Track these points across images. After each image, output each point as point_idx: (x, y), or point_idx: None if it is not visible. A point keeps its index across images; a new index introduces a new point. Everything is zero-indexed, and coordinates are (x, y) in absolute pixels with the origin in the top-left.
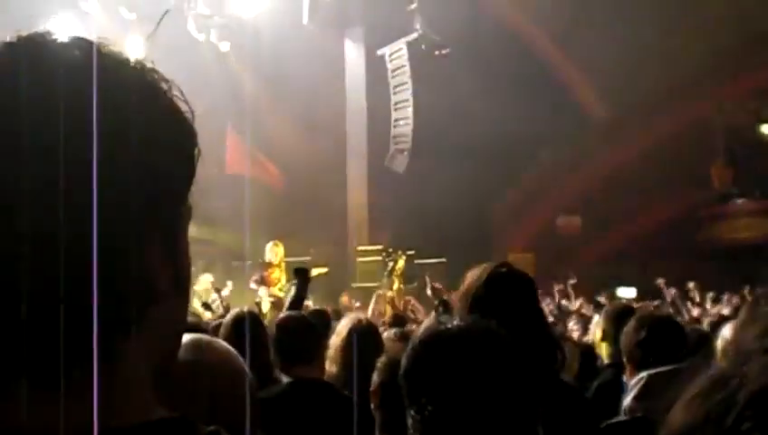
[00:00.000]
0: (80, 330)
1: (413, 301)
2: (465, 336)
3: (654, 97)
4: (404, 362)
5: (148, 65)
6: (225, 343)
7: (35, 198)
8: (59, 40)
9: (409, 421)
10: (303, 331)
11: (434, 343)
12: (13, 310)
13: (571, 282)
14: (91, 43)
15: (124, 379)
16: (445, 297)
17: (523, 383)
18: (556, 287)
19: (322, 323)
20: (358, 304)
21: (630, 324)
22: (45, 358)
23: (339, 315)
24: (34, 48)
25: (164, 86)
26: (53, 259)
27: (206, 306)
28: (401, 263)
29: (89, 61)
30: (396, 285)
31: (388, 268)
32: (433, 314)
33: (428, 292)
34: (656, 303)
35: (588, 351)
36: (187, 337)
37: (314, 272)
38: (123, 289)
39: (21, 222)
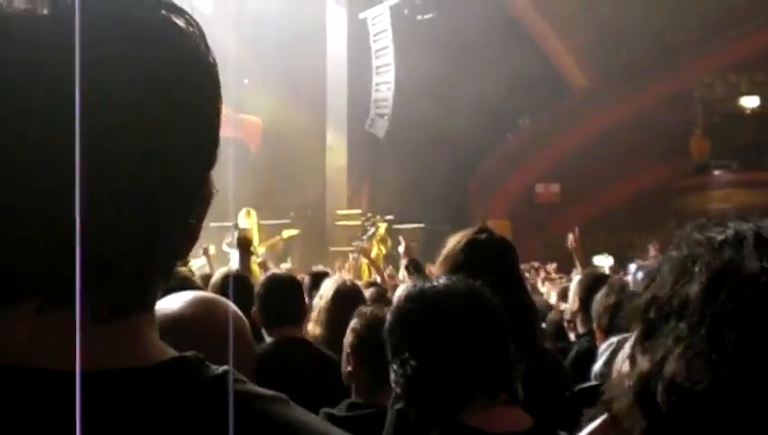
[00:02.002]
0: (125, 279)
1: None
2: (448, 292)
3: (634, 68)
4: (389, 317)
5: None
6: (229, 302)
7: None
8: None
9: (392, 376)
10: (290, 290)
11: (418, 298)
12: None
13: (552, 267)
14: None
15: (151, 324)
16: (415, 256)
17: (504, 341)
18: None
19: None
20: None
21: (601, 291)
22: (98, 299)
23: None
24: None
25: (192, 34)
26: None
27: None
28: (382, 229)
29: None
30: (375, 252)
31: (369, 233)
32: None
33: (400, 249)
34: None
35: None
36: (192, 294)
37: (285, 234)
38: (166, 245)
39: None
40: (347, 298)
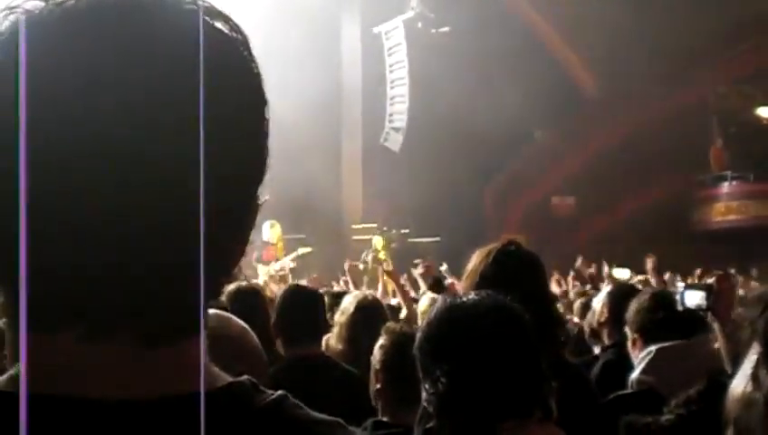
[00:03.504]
0: (180, 299)
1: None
2: (478, 309)
3: (649, 79)
4: (418, 335)
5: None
6: (239, 320)
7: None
8: None
9: (423, 395)
10: (310, 304)
11: (448, 315)
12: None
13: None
14: None
15: (204, 346)
16: (437, 275)
17: (535, 357)
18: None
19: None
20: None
21: (643, 300)
22: (153, 324)
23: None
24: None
25: (242, 48)
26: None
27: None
28: (379, 244)
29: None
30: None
31: (368, 252)
32: (428, 293)
33: (419, 270)
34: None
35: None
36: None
37: (300, 251)
38: (218, 263)
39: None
40: (368, 313)
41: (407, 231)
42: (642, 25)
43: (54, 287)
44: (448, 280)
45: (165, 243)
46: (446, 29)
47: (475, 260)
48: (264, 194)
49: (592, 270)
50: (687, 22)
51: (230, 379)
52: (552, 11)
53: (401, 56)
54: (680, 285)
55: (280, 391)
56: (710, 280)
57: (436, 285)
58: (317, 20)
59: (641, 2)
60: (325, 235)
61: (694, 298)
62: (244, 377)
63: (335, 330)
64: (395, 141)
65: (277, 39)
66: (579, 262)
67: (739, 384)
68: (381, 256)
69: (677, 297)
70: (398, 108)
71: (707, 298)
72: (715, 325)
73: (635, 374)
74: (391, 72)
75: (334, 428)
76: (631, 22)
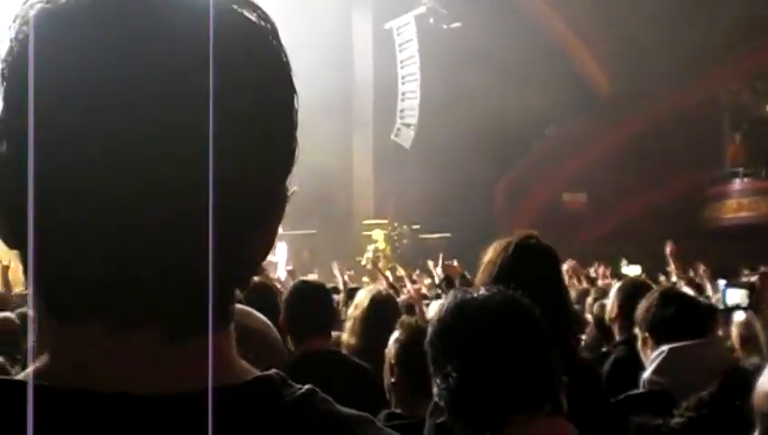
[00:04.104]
0: (204, 296)
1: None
2: (488, 304)
3: (661, 77)
4: (429, 330)
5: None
6: (260, 314)
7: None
8: None
9: (435, 389)
10: (320, 298)
11: (458, 311)
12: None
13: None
14: None
15: (230, 341)
16: (451, 274)
17: (546, 351)
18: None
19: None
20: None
21: (653, 298)
22: (182, 317)
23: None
24: None
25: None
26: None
27: None
28: (381, 241)
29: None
30: (381, 262)
31: (371, 248)
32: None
33: (438, 270)
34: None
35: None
36: None
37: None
38: (241, 258)
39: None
40: (382, 308)
41: (417, 227)
42: (654, 24)
43: (83, 278)
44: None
45: (192, 236)
46: (457, 24)
47: (491, 252)
48: (293, 185)
49: (594, 269)
50: (699, 20)
51: (258, 373)
52: (564, 8)
53: (412, 52)
54: (721, 282)
55: (308, 386)
56: (753, 278)
57: (447, 283)
58: (328, 16)
59: (653, 2)
60: (336, 229)
61: (735, 296)
62: (273, 371)
63: (348, 324)
64: (406, 137)
65: (288, 35)
66: (570, 264)
67: (766, 381)
68: (384, 250)
69: (719, 295)
70: (410, 104)
71: (749, 296)
72: (757, 324)
73: (647, 374)
74: (402, 67)
75: (364, 424)
76: (644, 20)
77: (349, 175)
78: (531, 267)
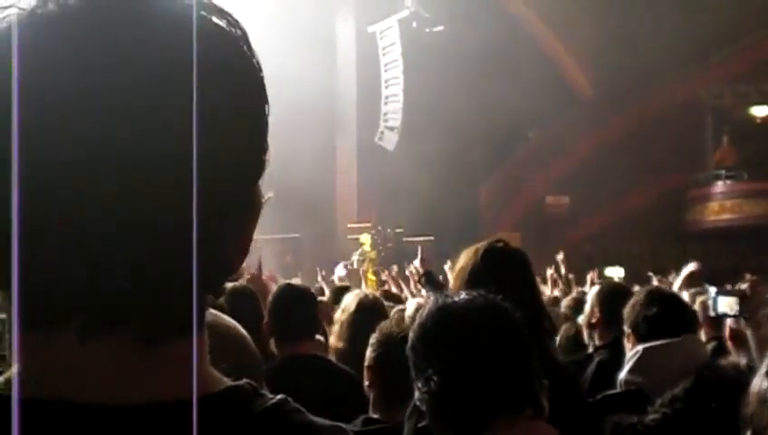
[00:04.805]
0: (179, 302)
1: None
2: (469, 308)
3: (643, 79)
4: (411, 334)
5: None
6: (226, 316)
7: (132, 165)
8: None
9: (416, 394)
10: (303, 302)
11: (439, 315)
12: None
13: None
14: None
15: (201, 349)
16: (430, 269)
17: (526, 355)
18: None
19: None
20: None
21: (639, 297)
22: (153, 323)
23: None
24: None
25: (239, 38)
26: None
27: None
28: (367, 245)
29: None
30: (366, 264)
31: (358, 253)
32: (412, 299)
33: (415, 264)
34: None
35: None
36: None
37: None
38: (214, 263)
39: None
40: (369, 312)
41: (401, 230)
42: (636, 26)
43: (52, 285)
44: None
45: (163, 242)
46: (440, 28)
47: (462, 259)
48: (267, 192)
49: (591, 278)
50: (681, 22)
51: (230, 382)
52: (546, 11)
53: (396, 55)
54: (712, 290)
55: (280, 396)
56: (743, 286)
57: (426, 278)
58: (312, 19)
59: (634, 3)
60: (319, 233)
61: (726, 304)
62: (244, 381)
63: (335, 328)
64: (390, 140)
65: (271, 38)
66: (560, 257)
67: (757, 383)
68: (370, 253)
69: (710, 303)
70: (393, 107)
71: (740, 304)
72: (748, 332)
73: (622, 374)
74: (386, 71)
75: (335, 433)
76: (625, 22)
77: (332, 178)
78: (500, 270)
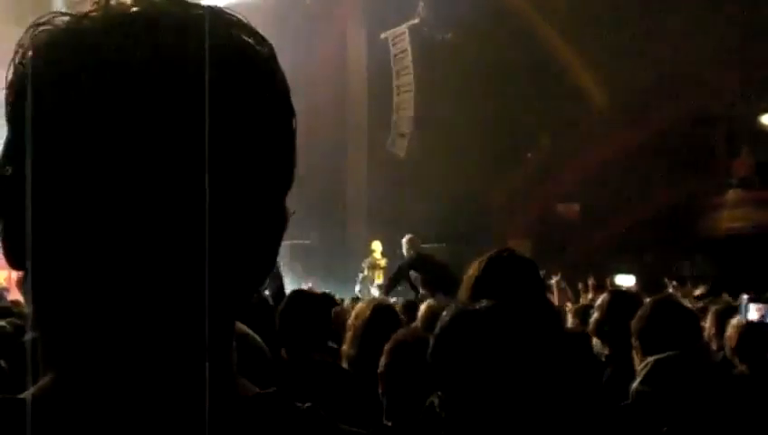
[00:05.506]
0: (206, 314)
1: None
2: (492, 318)
3: (654, 87)
4: (432, 343)
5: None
6: (240, 324)
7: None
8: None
9: (436, 401)
10: (312, 311)
11: (461, 324)
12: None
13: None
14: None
15: (233, 358)
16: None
17: (549, 366)
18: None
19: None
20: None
21: (646, 307)
22: (181, 335)
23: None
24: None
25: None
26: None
27: None
28: (377, 252)
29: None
30: (377, 275)
31: (366, 263)
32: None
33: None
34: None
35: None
36: None
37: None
38: (247, 275)
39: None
40: (382, 319)
41: (411, 237)
42: (647, 35)
43: (80, 310)
44: None
45: (189, 255)
46: (450, 35)
47: (471, 270)
48: (292, 207)
49: (591, 284)
50: (692, 33)
51: (257, 390)
52: (557, 21)
53: (407, 62)
54: (744, 297)
55: (309, 404)
56: None
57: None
58: (323, 26)
59: (645, 13)
60: (330, 240)
61: (758, 312)
62: (272, 389)
63: (348, 334)
64: (401, 147)
65: (283, 45)
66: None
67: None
68: (380, 261)
69: (741, 309)
70: (404, 114)
71: None
72: None
73: (635, 385)
74: (397, 78)
75: None
76: (637, 31)
77: (343, 184)
78: (507, 279)
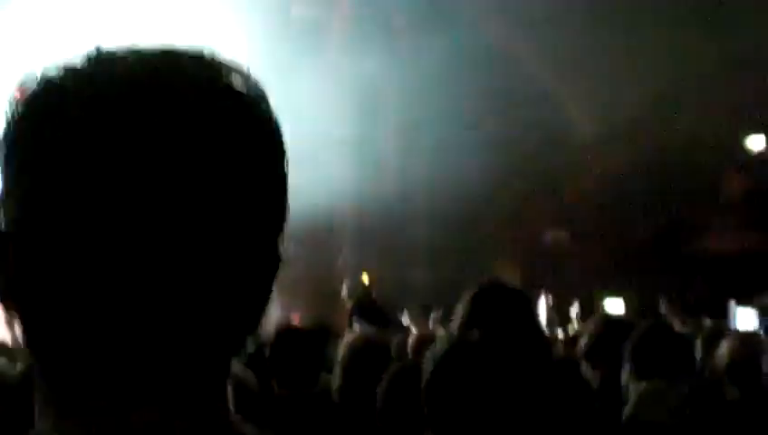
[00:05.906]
0: (204, 355)
1: None
2: (484, 351)
3: (642, 110)
4: (425, 376)
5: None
6: None
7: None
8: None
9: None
10: (303, 344)
11: (455, 355)
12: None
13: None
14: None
15: (227, 402)
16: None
17: (543, 398)
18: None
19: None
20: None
21: (640, 331)
22: (174, 378)
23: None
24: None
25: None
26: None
27: None
28: (366, 280)
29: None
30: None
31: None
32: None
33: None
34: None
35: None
36: None
37: None
38: (243, 319)
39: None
40: (371, 351)
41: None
42: (635, 59)
43: (83, 351)
44: None
45: (183, 300)
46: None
47: (461, 302)
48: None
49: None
50: (682, 55)
51: (255, 431)
52: (543, 49)
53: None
54: (732, 302)
55: None
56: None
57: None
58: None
59: (634, 36)
60: (318, 272)
61: (747, 318)
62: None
63: (337, 369)
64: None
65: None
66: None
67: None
68: (368, 287)
69: (729, 314)
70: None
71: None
72: None
73: (627, 410)
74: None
75: None
76: (624, 54)
77: (330, 212)
78: (496, 310)
